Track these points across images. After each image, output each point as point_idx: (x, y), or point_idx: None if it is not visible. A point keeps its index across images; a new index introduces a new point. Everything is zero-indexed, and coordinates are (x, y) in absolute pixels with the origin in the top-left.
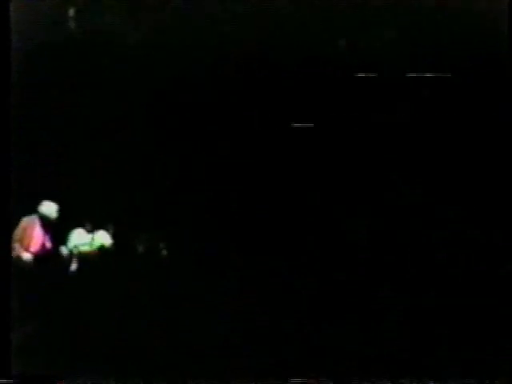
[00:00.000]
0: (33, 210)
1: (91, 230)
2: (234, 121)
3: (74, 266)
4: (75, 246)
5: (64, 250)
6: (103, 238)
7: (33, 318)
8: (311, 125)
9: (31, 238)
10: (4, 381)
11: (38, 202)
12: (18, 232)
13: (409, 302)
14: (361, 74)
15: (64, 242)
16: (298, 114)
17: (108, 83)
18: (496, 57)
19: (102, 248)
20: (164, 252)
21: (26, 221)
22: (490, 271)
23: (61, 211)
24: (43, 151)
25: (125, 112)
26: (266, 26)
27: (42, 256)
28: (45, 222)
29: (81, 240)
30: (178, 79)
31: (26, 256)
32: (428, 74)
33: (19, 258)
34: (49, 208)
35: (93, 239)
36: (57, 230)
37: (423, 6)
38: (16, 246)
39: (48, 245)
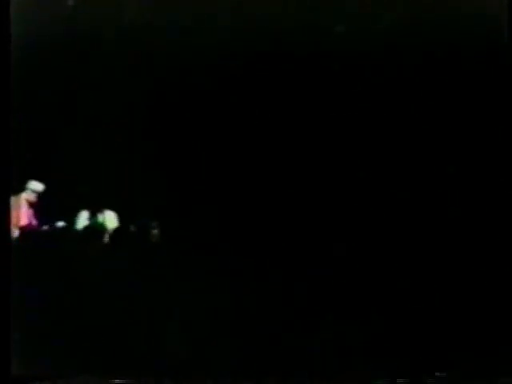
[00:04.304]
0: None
1: (96, 212)
2: (236, 113)
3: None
4: (84, 227)
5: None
6: (111, 219)
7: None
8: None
9: (18, 218)
10: None
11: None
12: None
13: (408, 302)
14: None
15: (71, 223)
16: (293, 103)
17: (109, 80)
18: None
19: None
20: (168, 248)
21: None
22: (493, 271)
23: (62, 194)
24: (43, 143)
25: (127, 107)
26: (265, 16)
27: (31, 233)
28: (31, 201)
29: (87, 221)
30: (181, 78)
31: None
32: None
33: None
34: (35, 185)
35: (100, 220)
36: (61, 212)
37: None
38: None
39: (34, 222)
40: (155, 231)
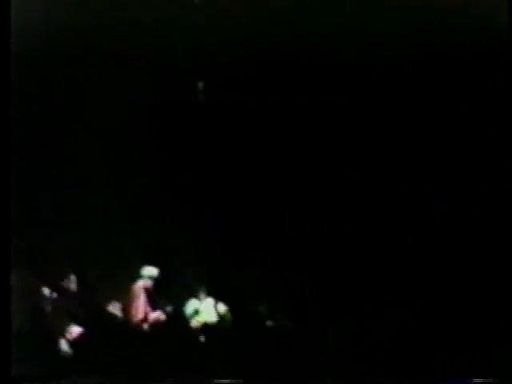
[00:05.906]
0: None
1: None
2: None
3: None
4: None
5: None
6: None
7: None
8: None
9: (137, 308)
10: None
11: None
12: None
13: (409, 302)
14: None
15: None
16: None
17: (110, 83)
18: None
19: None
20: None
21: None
22: (493, 270)
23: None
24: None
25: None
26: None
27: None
28: (148, 288)
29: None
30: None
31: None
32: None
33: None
34: (151, 271)
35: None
36: None
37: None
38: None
39: (151, 311)
40: None
